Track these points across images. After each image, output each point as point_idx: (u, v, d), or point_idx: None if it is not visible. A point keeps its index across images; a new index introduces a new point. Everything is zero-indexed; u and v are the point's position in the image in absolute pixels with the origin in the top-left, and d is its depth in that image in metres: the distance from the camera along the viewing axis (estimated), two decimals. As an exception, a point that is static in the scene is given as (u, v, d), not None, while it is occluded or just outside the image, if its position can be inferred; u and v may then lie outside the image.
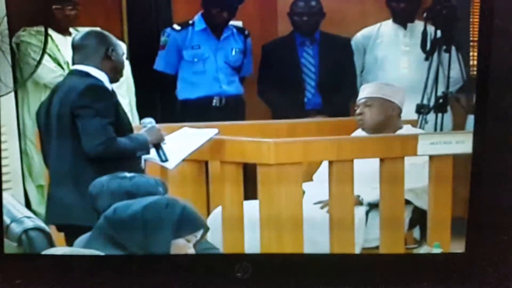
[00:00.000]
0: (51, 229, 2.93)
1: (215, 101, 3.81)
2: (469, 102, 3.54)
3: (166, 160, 3.17)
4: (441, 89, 3.65)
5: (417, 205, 3.39)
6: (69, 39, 3.53)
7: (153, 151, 3.16)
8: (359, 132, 3.54)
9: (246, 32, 3.87)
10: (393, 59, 3.83)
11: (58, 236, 3.02)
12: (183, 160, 3.22)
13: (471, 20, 3.48)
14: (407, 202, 3.34)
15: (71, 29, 3.61)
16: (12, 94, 3.31)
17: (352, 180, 3.22)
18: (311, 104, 3.85)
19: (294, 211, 3.18)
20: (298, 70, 3.85)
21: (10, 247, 2.77)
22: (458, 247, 2.97)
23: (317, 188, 3.41)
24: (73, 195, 3.05)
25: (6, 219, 2.79)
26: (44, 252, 2.70)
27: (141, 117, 3.68)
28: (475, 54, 3.16)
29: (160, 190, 2.71)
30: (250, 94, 3.84)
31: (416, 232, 3.49)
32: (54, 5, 3.55)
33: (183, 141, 3.29)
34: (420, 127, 3.63)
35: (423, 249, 3.27)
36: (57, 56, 3.53)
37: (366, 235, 3.35)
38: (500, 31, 2.81)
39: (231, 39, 3.85)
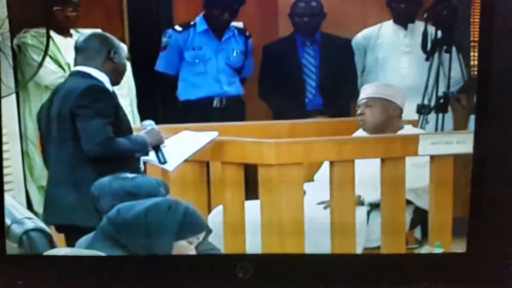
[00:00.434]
0: (52, 230, 2.93)
1: (216, 102, 3.82)
2: (470, 102, 3.54)
3: (165, 162, 3.18)
4: (441, 89, 3.66)
5: (418, 205, 3.40)
6: (70, 40, 3.55)
7: (152, 153, 3.17)
8: (360, 133, 3.55)
9: (247, 33, 3.87)
10: (394, 60, 3.83)
11: (59, 237, 3.02)
12: (183, 162, 3.22)
13: (471, 20, 3.49)
14: (408, 202, 3.34)
15: (72, 31, 3.61)
16: (14, 95, 3.31)
17: (353, 181, 3.22)
18: (312, 105, 3.86)
19: (295, 212, 3.18)
20: (299, 71, 3.85)
21: (12, 248, 2.77)
22: (459, 247, 2.97)
23: (318, 188, 3.41)
24: (71, 196, 3.06)
25: (7, 220, 2.79)
26: (46, 253, 2.70)
27: (142, 118, 3.70)
28: (476, 54, 3.15)
29: (161, 190, 2.72)
30: (250, 95, 3.84)
31: (417, 232, 3.49)
32: (55, 7, 3.55)
33: (183, 143, 3.29)
34: (421, 127, 3.63)
35: (424, 249, 3.27)
36: (58, 57, 3.54)
37: (367, 235, 3.36)
38: (501, 31, 2.80)
39: (232, 40, 3.85)
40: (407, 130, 3.52)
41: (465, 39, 3.58)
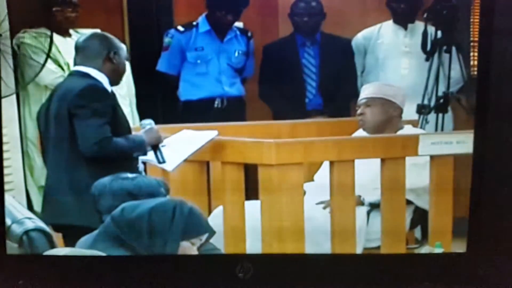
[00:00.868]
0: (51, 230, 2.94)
1: (217, 103, 3.82)
2: (470, 102, 3.54)
3: (164, 162, 3.18)
4: (441, 89, 3.65)
5: (418, 205, 3.40)
6: (69, 41, 3.56)
7: (151, 152, 3.18)
8: (360, 133, 3.55)
9: (249, 34, 3.87)
10: (394, 60, 3.83)
11: (58, 237, 3.02)
12: (182, 162, 3.23)
13: (471, 20, 3.49)
14: (408, 202, 3.34)
15: (71, 31, 3.62)
16: (14, 95, 3.32)
17: (353, 181, 3.22)
18: (312, 105, 3.86)
19: (295, 212, 3.18)
20: (299, 71, 3.85)
21: (12, 248, 2.78)
22: (460, 247, 2.97)
23: (318, 188, 3.41)
24: (69, 195, 3.06)
25: (7, 220, 2.79)
26: (46, 253, 2.70)
27: (142, 118, 3.69)
28: (476, 54, 3.15)
29: (162, 190, 2.73)
30: (251, 95, 3.84)
31: (418, 232, 3.49)
32: (55, 7, 3.56)
33: (182, 143, 3.29)
34: (421, 127, 3.63)
35: (425, 249, 3.27)
36: (58, 57, 3.54)
37: (367, 235, 3.35)
38: (501, 31, 2.80)
39: (234, 41, 3.85)
40: (407, 130, 3.52)
41: (465, 39, 3.58)
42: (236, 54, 3.84)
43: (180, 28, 3.82)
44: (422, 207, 3.38)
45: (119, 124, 3.11)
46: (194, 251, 2.41)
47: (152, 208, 2.37)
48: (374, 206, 3.37)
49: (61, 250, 2.77)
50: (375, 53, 3.87)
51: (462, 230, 2.96)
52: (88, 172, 3.00)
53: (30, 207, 3.47)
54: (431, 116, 3.66)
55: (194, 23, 3.82)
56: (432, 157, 3.27)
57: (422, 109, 3.65)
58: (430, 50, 3.65)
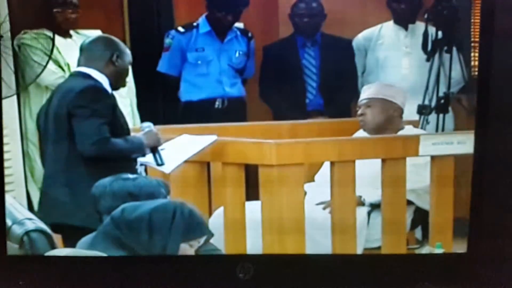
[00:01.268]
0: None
1: (217, 103, 3.82)
2: (471, 102, 3.54)
3: (162, 164, 3.18)
4: (442, 90, 3.65)
5: (419, 205, 3.39)
6: (69, 41, 3.56)
7: (150, 155, 3.18)
8: (361, 133, 3.55)
9: (250, 35, 3.87)
10: (394, 60, 3.83)
11: (59, 238, 3.02)
12: (180, 165, 3.23)
13: (472, 20, 3.49)
14: (409, 202, 3.34)
15: (71, 32, 3.62)
16: (14, 96, 3.33)
17: (353, 181, 3.22)
18: (312, 105, 3.86)
19: (295, 212, 3.19)
20: (299, 72, 3.85)
21: (13, 248, 2.78)
22: (460, 248, 2.97)
23: (319, 189, 3.41)
24: (66, 195, 3.07)
25: (8, 221, 2.79)
26: (47, 254, 2.70)
27: (144, 118, 3.70)
28: (476, 54, 3.15)
29: (162, 191, 2.73)
30: (251, 96, 3.84)
31: (418, 233, 3.49)
32: (55, 8, 3.56)
33: (181, 147, 3.30)
34: (421, 128, 3.63)
35: (425, 250, 3.27)
36: (58, 58, 3.54)
37: (368, 235, 3.35)
38: (501, 32, 2.80)
39: (235, 42, 3.85)
40: (408, 130, 3.52)
41: (465, 39, 3.58)
42: (237, 54, 3.84)
43: (180, 29, 3.82)
44: (422, 208, 3.38)
45: (118, 125, 3.11)
46: (191, 253, 2.42)
47: (153, 209, 2.37)
48: (374, 207, 3.37)
49: (62, 251, 2.77)
50: (376, 53, 3.87)
51: (462, 231, 2.96)
52: (86, 173, 3.01)
53: (30, 207, 3.46)
54: (432, 117, 3.65)
55: (195, 24, 3.82)
56: (432, 158, 3.27)
57: (422, 110, 3.65)
58: (430, 50, 3.65)
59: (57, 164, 3.11)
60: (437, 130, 3.65)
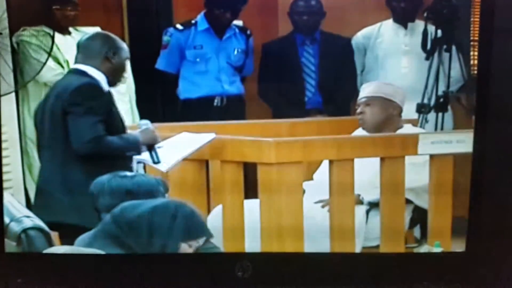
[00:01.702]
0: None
1: (216, 101, 3.82)
2: (470, 101, 3.54)
3: (158, 162, 3.18)
4: (441, 89, 3.65)
5: (417, 204, 3.39)
6: (68, 38, 3.56)
7: (146, 152, 3.17)
8: (360, 132, 3.54)
9: (248, 32, 3.87)
10: (394, 59, 3.83)
11: (56, 236, 3.02)
12: (177, 163, 3.22)
13: (471, 19, 3.48)
14: (408, 201, 3.34)
15: (71, 29, 3.62)
16: (13, 93, 3.32)
17: (352, 179, 3.22)
18: (311, 104, 3.86)
19: (294, 211, 3.18)
20: (298, 70, 3.85)
21: (10, 246, 2.77)
22: (459, 247, 2.97)
23: (318, 187, 3.41)
24: (61, 193, 3.06)
25: (6, 218, 2.79)
26: (45, 251, 2.70)
27: (143, 116, 3.70)
28: (476, 53, 3.15)
29: (160, 189, 2.73)
30: (250, 94, 3.84)
31: (417, 231, 3.48)
32: (54, 5, 3.55)
33: (179, 145, 3.29)
34: (420, 127, 3.63)
35: (424, 248, 3.26)
36: (57, 55, 3.54)
37: (366, 234, 3.35)
38: (501, 30, 2.80)
39: (233, 39, 3.85)
40: (407, 129, 3.52)
41: (465, 38, 3.57)
42: (235, 52, 3.84)
43: (179, 26, 3.81)
44: (421, 206, 3.38)
45: (114, 123, 3.11)
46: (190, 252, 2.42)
47: (153, 208, 2.37)
48: (373, 205, 3.37)
49: (60, 249, 2.77)
50: (375, 52, 3.87)
51: (461, 230, 2.96)
52: (81, 171, 3.01)
53: (28, 205, 3.46)
54: (431, 115, 3.66)
55: (193, 21, 3.82)
56: (431, 156, 3.27)
57: (422, 108, 3.65)
58: (430, 49, 3.65)
59: (53, 162, 3.11)
60: (436, 129, 3.65)
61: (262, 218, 3.18)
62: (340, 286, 2.87)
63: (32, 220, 2.76)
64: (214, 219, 3.26)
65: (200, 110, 3.79)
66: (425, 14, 3.66)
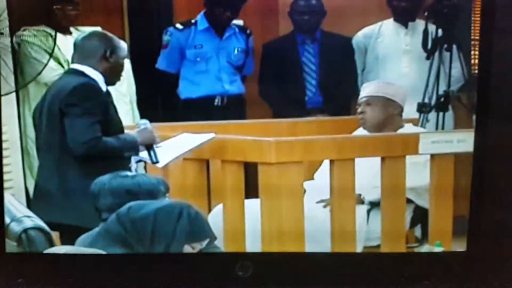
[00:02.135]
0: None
1: (217, 101, 3.81)
2: (471, 100, 3.54)
3: (157, 162, 3.18)
4: (442, 88, 3.65)
5: (418, 204, 3.39)
6: (69, 38, 3.55)
7: (145, 152, 3.17)
8: (360, 131, 3.54)
9: (248, 31, 3.86)
10: (394, 58, 3.83)
11: (56, 236, 3.02)
12: (174, 160, 3.22)
13: (472, 18, 3.48)
14: (409, 201, 3.34)
15: (71, 29, 3.61)
16: (13, 93, 3.32)
17: (353, 179, 3.22)
18: (312, 103, 3.85)
19: (295, 210, 3.18)
20: (299, 69, 3.84)
21: (11, 246, 2.77)
22: (460, 246, 2.97)
23: (318, 187, 3.41)
24: (58, 193, 3.06)
25: (6, 218, 2.80)
26: (46, 251, 2.70)
27: (143, 116, 3.70)
28: (477, 53, 3.15)
29: (161, 189, 2.73)
30: (251, 93, 3.83)
31: (418, 231, 3.49)
32: (55, 5, 3.55)
33: (178, 144, 3.29)
34: (421, 126, 3.63)
35: (425, 248, 3.27)
36: (58, 55, 3.53)
37: (367, 234, 3.35)
38: (502, 30, 2.80)
39: (234, 39, 3.85)
40: (408, 128, 3.52)
41: (465, 37, 3.56)
42: (236, 51, 3.84)
43: (179, 26, 3.81)
44: (422, 206, 3.38)
45: (111, 124, 3.10)
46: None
47: (158, 209, 2.38)
48: (374, 205, 3.37)
49: (61, 248, 2.77)
50: (376, 51, 3.87)
51: (462, 229, 2.96)
52: (78, 171, 3.01)
53: (29, 205, 3.46)
54: (432, 115, 3.65)
55: (193, 21, 3.81)
56: (432, 156, 3.27)
57: (422, 108, 3.65)
58: (430, 48, 3.64)
59: (51, 162, 3.10)
60: (437, 128, 3.65)
61: (262, 218, 3.18)
62: (341, 286, 2.87)
63: (33, 220, 2.76)
64: (215, 219, 3.26)
65: (200, 110, 3.79)
66: (425, 14, 3.66)
